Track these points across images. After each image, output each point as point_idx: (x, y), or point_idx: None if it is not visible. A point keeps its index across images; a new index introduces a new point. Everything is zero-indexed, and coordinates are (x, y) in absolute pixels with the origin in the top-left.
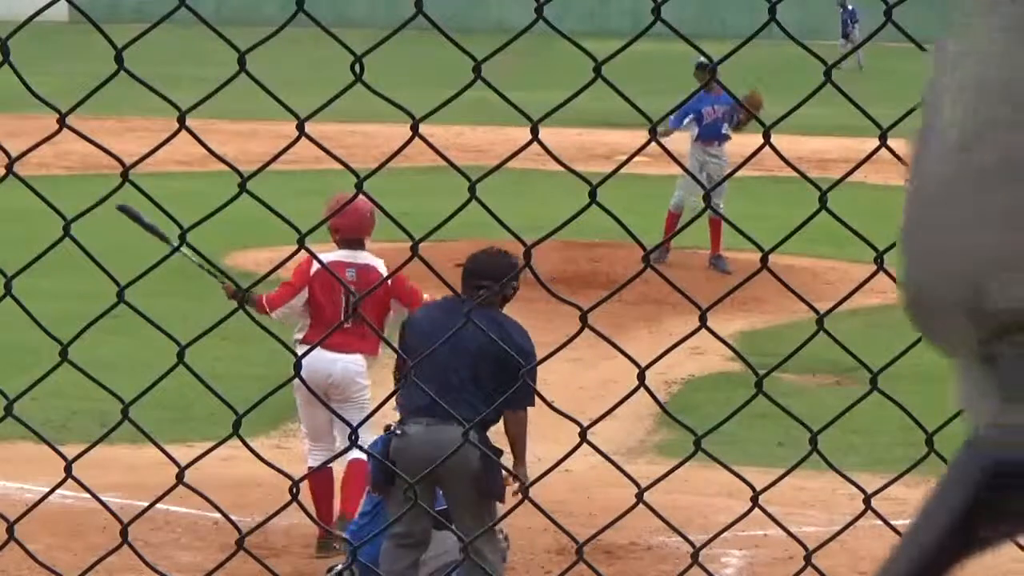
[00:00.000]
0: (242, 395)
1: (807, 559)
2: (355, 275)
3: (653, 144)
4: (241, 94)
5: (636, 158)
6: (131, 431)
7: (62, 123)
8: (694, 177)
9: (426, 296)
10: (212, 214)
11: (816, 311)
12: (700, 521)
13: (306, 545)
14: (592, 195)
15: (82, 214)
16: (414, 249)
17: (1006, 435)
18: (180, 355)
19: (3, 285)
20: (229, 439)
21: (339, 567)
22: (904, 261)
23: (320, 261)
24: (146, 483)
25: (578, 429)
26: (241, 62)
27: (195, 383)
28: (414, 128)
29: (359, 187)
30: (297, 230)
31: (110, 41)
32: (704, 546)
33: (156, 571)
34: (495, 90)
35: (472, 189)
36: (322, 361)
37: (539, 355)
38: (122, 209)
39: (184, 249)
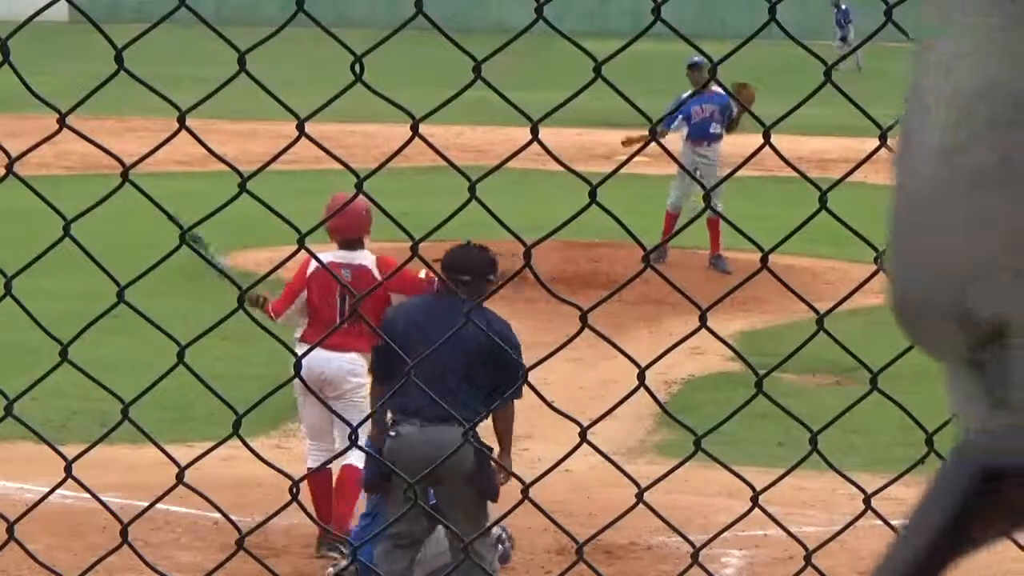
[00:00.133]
0: (242, 395)
1: (807, 559)
2: (350, 275)
3: (653, 144)
4: (241, 94)
5: (636, 158)
6: (131, 431)
7: (62, 123)
8: (691, 175)
9: (422, 274)
10: (212, 214)
11: (816, 311)
12: (700, 521)
13: (306, 545)
14: (592, 195)
15: (82, 214)
16: (414, 249)
17: (995, 440)
18: (180, 355)
19: (3, 285)
20: (229, 439)
21: (338, 566)
22: (892, 264)
23: (319, 260)
24: (146, 483)
25: (578, 429)
26: (241, 62)
27: (195, 383)
28: (414, 128)
29: (359, 187)
30: (297, 230)
31: (110, 41)
32: (704, 546)
33: (156, 571)
34: (495, 90)
35: (472, 189)
36: (316, 359)
37: (539, 355)
38: (192, 240)
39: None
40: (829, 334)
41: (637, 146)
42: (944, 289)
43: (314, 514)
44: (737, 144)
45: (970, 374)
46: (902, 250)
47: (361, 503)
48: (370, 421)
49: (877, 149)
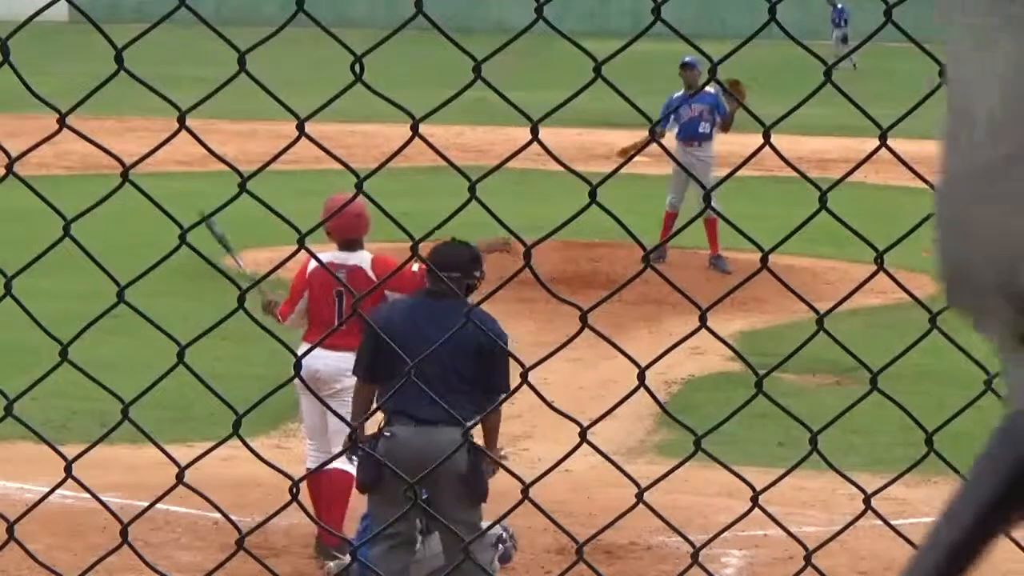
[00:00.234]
0: (242, 395)
1: (807, 559)
2: (345, 276)
3: (652, 144)
4: (241, 94)
5: (636, 158)
6: (131, 431)
7: (62, 123)
8: (689, 173)
9: (415, 267)
10: (212, 214)
11: (816, 311)
12: (700, 521)
13: (306, 545)
14: (592, 195)
15: (82, 214)
16: (414, 249)
17: None
18: (180, 355)
19: (3, 285)
20: (229, 439)
21: (340, 564)
22: (941, 243)
23: (318, 259)
24: (146, 483)
25: (578, 429)
26: (241, 62)
27: (195, 383)
28: (414, 128)
29: (359, 187)
30: (297, 230)
31: (110, 41)
32: (704, 546)
33: (156, 571)
34: (495, 90)
35: (472, 189)
36: (312, 357)
37: (539, 355)
38: (208, 222)
39: (244, 267)
40: (829, 334)
41: (633, 152)
42: (993, 266)
43: (314, 514)
44: (737, 144)
45: (1020, 354)
46: (950, 229)
47: (361, 504)
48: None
49: (877, 149)
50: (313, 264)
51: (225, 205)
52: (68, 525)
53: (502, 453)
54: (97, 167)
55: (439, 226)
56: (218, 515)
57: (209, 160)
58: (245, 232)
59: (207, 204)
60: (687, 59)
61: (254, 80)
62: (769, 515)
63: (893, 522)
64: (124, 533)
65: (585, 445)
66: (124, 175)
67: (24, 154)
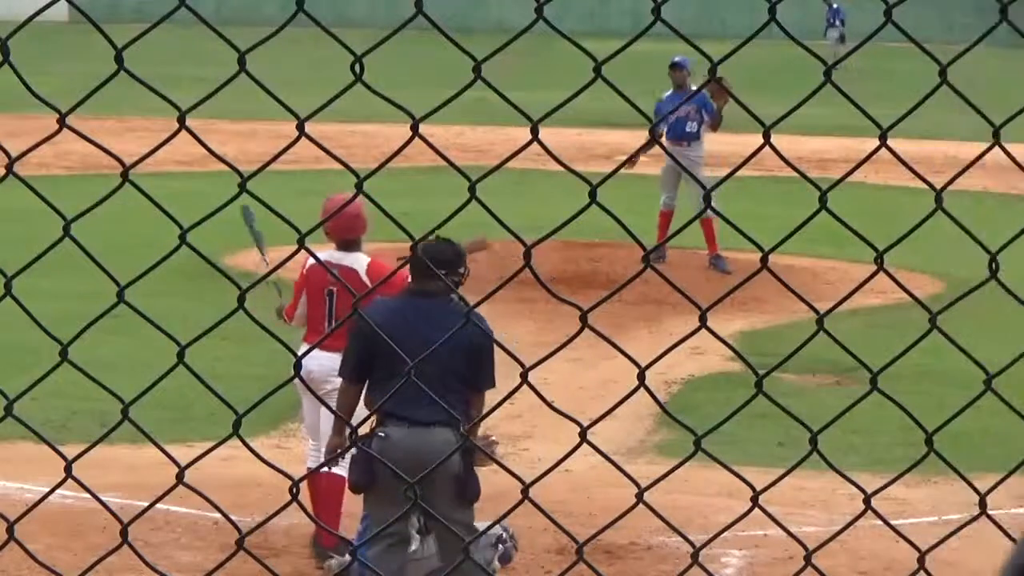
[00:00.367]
0: (242, 395)
1: (807, 559)
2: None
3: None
4: (241, 94)
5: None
6: (131, 431)
7: (62, 123)
8: (687, 171)
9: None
10: (212, 214)
11: (816, 311)
12: (700, 521)
13: (306, 545)
14: (592, 195)
15: (82, 214)
16: (414, 249)
17: None
18: (180, 355)
19: (3, 285)
20: (229, 439)
21: (342, 563)
22: None
23: (316, 258)
24: (146, 483)
25: (578, 429)
26: (241, 62)
27: (195, 383)
28: (414, 128)
29: (359, 187)
30: (297, 230)
31: (110, 41)
32: (704, 546)
33: (156, 571)
34: (495, 90)
35: (472, 189)
36: (306, 358)
37: (539, 355)
38: (246, 214)
39: (268, 260)
40: (829, 334)
41: (642, 156)
42: None
43: (313, 514)
44: (737, 144)
45: None
46: None
47: (360, 506)
48: (335, 428)
49: (877, 149)
50: (309, 263)
51: (225, 205)
52: (68, 525)
53: (492, 438)
54: (97, 167)
55: (439, 226)
56: (218, 515)
57: (209, 160)
58: (245, 232)
59: (207, 204)
60: (676, 59)
61: (254, 80)
62: (769, 515)
63: (893, 522)
64: (124, 533)
65: (585, 445)
66: (124, 175)
67: (24, 154)
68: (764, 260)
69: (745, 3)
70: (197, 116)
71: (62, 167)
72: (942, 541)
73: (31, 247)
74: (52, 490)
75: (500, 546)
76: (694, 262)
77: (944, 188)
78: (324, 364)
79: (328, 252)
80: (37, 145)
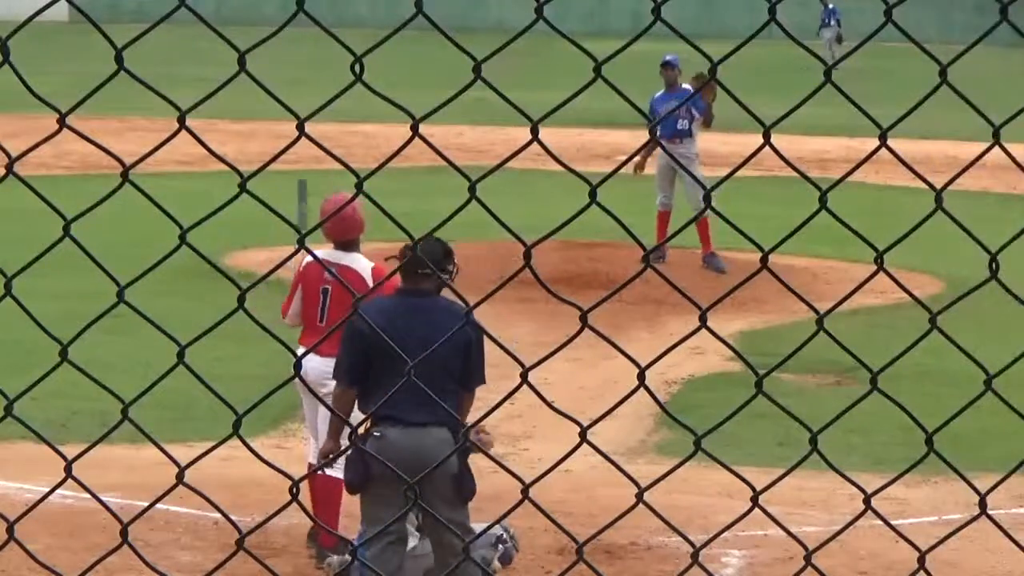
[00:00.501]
0: (242, 395)
1: (807, 559)
2: (336, 274)
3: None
4: (241, 94)
5: (636, 159)
6: (131, 431)
7: (62, 123)
8: (685, 169)
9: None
10: (212, 214)
11: (816, 311)
12: (700, 521)
13: (306, 545)
14: (592, 195)
15: (82, 214)
16: (414, 249)
17: None
18: (180, 355)
19: (3, 285)
20: (229, 439)
21: (344, 563)
22: None
23: (312, 253)
24: (146, 483)
25: (578, 429)
26: (241, 62)
27: (195, 383)
28: (414, 128)
29: (359, 187)
30: (297, 230)
31: (110, 41)
32: (704, 546)
33: (156, 571)
34: (495, 90)
35: (472, 189)
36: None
37: (539, 355)
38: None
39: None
40: (829, 334)
41: (647, 156)
42: None
43: (313, 514)
44: (737, 144)
45: None
46: None
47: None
48: (330, 432)
49: (877, 149)
50: (307, 260)
51: (225, 205)
52: (68, 525)
53: (485, 430)
54: (97, 167)
55: (439, 226)
56: (218, 515)
57: (209, 160)
58: (245, 232)
59: (207, 204)
60: (667, 58)
61: (254, 80)
62: (769, 515)
63: (893, 522)
64: (124, 533)
65: (585, 445)
66: (124, 175)
67: (24, 154)
68: (764, 260)
69: (745, 3)
70: (197, 116)
71: (62, 167)
72: (942, 541)
73: (31, 247)
74: (52, 490)
75: (500, 546)
76: (694, 262)
77: (944, 188)
78: (317, 368)
79: (326, 251)
80: (37, 145)
